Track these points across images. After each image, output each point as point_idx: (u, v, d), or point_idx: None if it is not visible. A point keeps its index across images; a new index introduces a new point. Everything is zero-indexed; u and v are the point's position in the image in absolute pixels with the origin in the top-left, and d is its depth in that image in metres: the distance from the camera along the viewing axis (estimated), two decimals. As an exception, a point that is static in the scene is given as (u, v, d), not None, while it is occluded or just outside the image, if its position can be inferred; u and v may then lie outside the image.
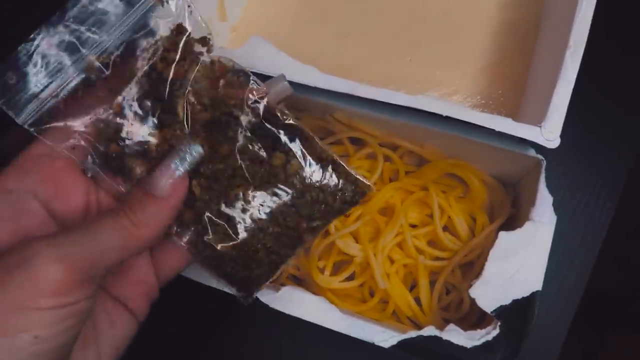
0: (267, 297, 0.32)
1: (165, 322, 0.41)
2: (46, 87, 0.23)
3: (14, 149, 0.26)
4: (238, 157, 0.25)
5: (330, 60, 0.44)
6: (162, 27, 0.25)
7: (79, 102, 0.24)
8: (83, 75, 0.24)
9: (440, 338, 0.31)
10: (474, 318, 0.35)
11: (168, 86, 0.24)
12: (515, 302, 0.31)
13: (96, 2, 0.24)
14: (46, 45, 0.23)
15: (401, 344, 0.31)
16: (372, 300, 0.36)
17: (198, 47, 0.26)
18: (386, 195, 0.37)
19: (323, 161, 0.27)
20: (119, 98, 0.24)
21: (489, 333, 0.31)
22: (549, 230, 0.32)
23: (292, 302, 0.32)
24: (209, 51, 0.27)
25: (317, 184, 0.26)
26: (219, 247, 0.25)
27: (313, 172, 0.26)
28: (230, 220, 0.25)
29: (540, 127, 0.31)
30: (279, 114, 0.27)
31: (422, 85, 0.43)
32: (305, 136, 0.27)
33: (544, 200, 0.32)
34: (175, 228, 0.25)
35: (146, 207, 0.21)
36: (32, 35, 0.23)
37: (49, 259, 0.18)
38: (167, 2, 0.26)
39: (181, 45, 0.25)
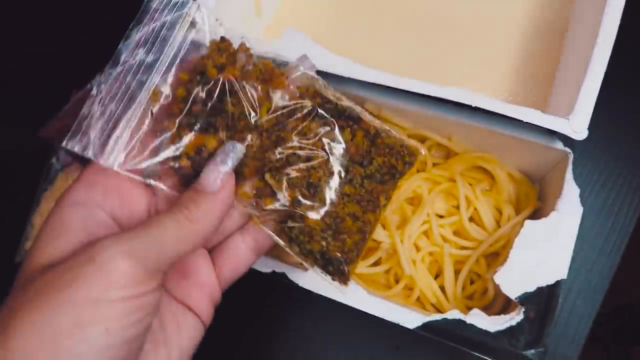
0: (297, 276, 0.33)
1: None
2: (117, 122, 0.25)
3: (55, 138, 0.28)
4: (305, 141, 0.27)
5: (361, 58, 0.46)
6: (203, 42, 0.27)
7: (147, 135, 0.25)
8: (148, 105, 0.25)
9: (464, 322, 0.31)
10: (498, 308, 0.36)
11: (225, 94, 0.26)
12: (539, 289, 0.31)
13: (152, 25, 0.26)
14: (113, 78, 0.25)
15: (425, 326, 0.32)
16: (397, 286, 0.37)
17: (241, 55, 0.28)
18: (413, 185, 0.38)
19: (379, 130, 0.29)
20: (180, 118, 0.26)
21: (513, 318, 0.31)
22: (574, 220, 0.32)
23: (321, 281, 0.33)
24: (249, 54, 0.28)
25: (380, 150, 0.28)
26: (309, 216, 0.26)
27: (374, 140, 0.28)
28: (317, 190, 0.27)
29: (568, 118, 0.32)
30: (332, 98, 0.28)
31: (449, 81, 0.43)
32: (358, 113, 0.29)
33: (571, 191, 0.33)
34: (258, 214, 0.26)
35: (198, 203, 0.23)
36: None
37: (116, 253, 0.20)
38: (197, 21, 0.27)
39: (225, 55, 0.27)
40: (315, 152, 0.27)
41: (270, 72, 0.28)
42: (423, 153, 0.29)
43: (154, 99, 0.25)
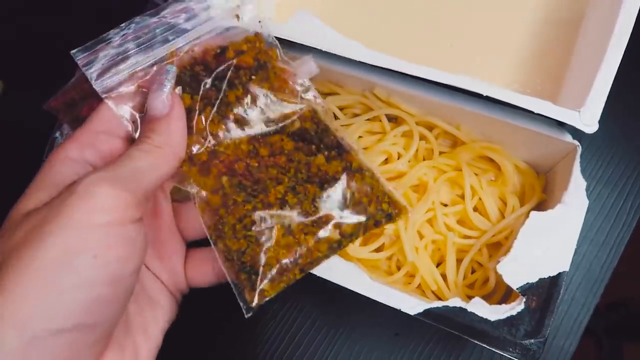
0: (300, 258, 0.33)
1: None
2: (128, 58, 0.26)
3: (60, 111, 0.28)
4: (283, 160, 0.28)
5: (371, 42, 0.45)
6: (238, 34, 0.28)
7: (144, 82, 0.26)
8: (160, 60, 0.26)
9: (465, 310, 0.31)
10: (498, 298, 0.36)
11: (224, 79, 0.27)
12: (540, 280, 0.31)
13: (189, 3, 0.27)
14: (141, 26, 0.27)
15: (426, 313, 0.32)
16: (398, 273, 0.37)
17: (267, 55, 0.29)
18: (419, 173, 0.38)
19: (363, 168, 0.28)
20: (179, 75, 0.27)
21: (514, 308, 0.31)
22: (580, 213, 0.32)
23: (323, 265, 0.33)
24: (271, 56, 0.29)
25: (356, 186, 0.28)
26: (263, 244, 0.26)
27: (352, 176, 0.28)
28: (266, 194, 0.27)
29: (579, 111, 0.32)
30: (331, 127, 0.29)
31: (459, 70, 0.44)
32: (348, 148, 0.29)
33: (577, 185, 0.33)
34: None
35: (156, 129, 0.24)
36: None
37: (96, 180, 0.21)
38: (242, 16, 0.28)
39: (249, 46, 0.28)
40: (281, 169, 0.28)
41: (281, 85, 0.28)
42: (410, 211, 0.29)
43: (168, 57, 0.26)
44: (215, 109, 0.27)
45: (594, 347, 0.81)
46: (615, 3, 0.34)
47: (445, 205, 0.39)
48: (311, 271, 0.33)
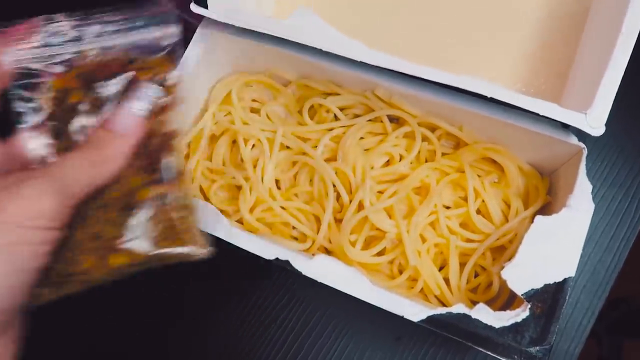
0: (301, 264, 0.33)
1: (189, 286, 0.43)
2: None
3: None
4: None
5: (372, 38, 0.44)
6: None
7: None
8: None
9: (469, 316, 0.31)
10: (501, 302, 0.36)
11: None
12: (545, 286, 0.31)
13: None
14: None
15: (429, 320, 0.31)
16: (400, 277, 0.36)
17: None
18: (421, 175, 0.37)
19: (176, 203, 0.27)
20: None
21: (518, 315, 0.31)
22: (585, 218, 0.32)
23: (325, 270, 0.32)
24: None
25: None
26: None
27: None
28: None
29: (585, 113, 0.31)
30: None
31: (463, 68, 0.43)
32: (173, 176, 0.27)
33: (583, 188, 0.32)
34: None
35: (111, 143, 0.25)
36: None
37: (42, 190, 0.22)
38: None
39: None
40: None
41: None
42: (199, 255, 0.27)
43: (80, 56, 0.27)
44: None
45: (594, 344, 0.81)
46: (623, 2, 0.33)
47: (448, 207, 0.38)
48: (311, 276, 0.32)
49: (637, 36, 0.31)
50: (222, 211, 0.37)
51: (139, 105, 0.25)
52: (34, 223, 0.22)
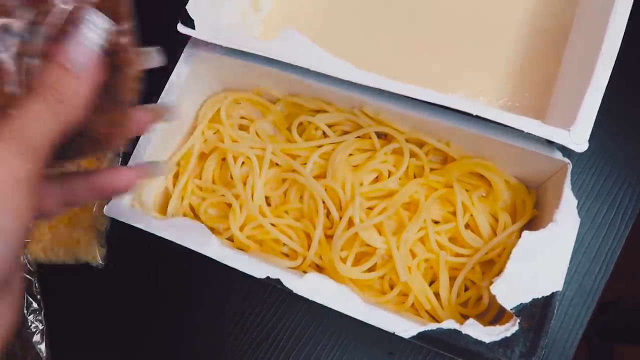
0: (292, 282, 0.33)
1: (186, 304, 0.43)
2: None
3: None
4: None
5: (359, 56, 0.45)
6: None
7: None
8: None
9: (460, 332, 0.31)
10: (492, 316, 0.36)
11: None
12: (534, 300, 0.31)
13: None
14: None
15: (420, 336, 0.31)
16: (391, 292, 0.36)
17: None
18: (410, 191, 0.38)
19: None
20: None
21: (508, 329, 0.31)
22: (572, 232, 0.32)
23: (316, 288, 0.33)
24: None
25: None
26: None
27: None
28: None
29: (569, 130, 0.32)
30: None
31: (448, 84, 0.44)
32: None
33: (569, 203, 0.33)
34: None
35: (68, 81, 0.21)
36: None
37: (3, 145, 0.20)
38: None
39: None
40: None
41: None
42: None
43: None
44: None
45: (585, 349, 0.82)
46: (603, 18, 0.34)
47: (437, 222, 0.38)
48: (302, 294, 0.33)
49: (616, 55, 0.32)
50: (212, 229, 0.37)
51: (90, 37, 0.21)
52: (8, 191, 0.20)
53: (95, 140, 0.24)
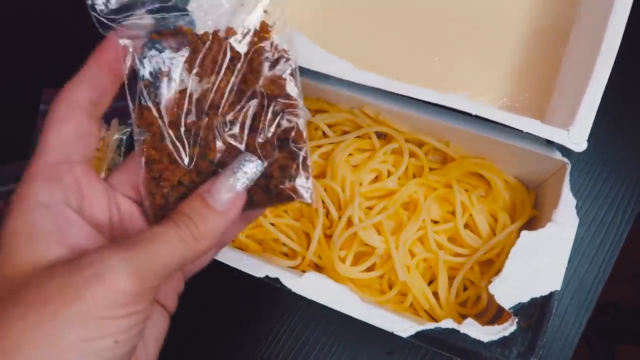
0: (291, 281, 0.33)
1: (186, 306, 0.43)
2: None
3: None
4: None
5: (359, 55, 0.45)
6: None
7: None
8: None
9: (458, 331, 0.31)
10: (490, 315, 0.36)
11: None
12: (532, 300, 0.31)
13: None
14: None
15: (419, 335, 0.32)
16: (390, 292, 0.36)
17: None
18: (410, 190, 0.38)
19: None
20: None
21: (506, 329, 0.31)
22: (570, 232, 0.32)
23: (315, 288, 0.33)
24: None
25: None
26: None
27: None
28: None
29: (568, 130, 0.32)
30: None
31: (449, 84, 0.44)
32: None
33: (567, 203, 0.33)
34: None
35: (206, 219, 0.22)
36: None
37: (123, 273, 0.19)
38: None
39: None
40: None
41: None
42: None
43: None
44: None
45: (586, 350, 0.82)
46: (602, 18, 0.34)
47: (436, 222, 0.38)
48: (301, 294, 0.33)
49: (615, 55, 0.32)
50: (212, 229, 0.37)
51: (240, 182, 0.23)
52: (115, 312, 0.19)
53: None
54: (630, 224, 0.41)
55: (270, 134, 0.24)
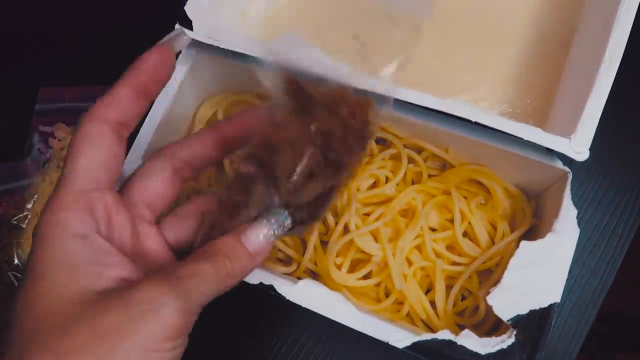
0: (285, 289, 0.32)
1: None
2: None
3: None
4: None
5: (359, 60, 0.44)
6: None
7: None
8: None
9: (455, 343, 0.31)
10: (488, 326, 0.35)
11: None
12: (531, 312, 0.31)
13: None
14: None
15: (415, 346, 0.31)
16: (387, 300, 0.36)
17: None
18: (408, 197, 0.37)
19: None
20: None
21: (504, 341, 0.31)
22: (571, 243, 0.32)
23: (310, 295, 0.32)
24: None
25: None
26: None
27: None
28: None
29: (569, 138, 0.31)
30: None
31: (450, 89, 0.43)
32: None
33: (568, 213, 0.32)
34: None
35: (240, 259, 0.23)
36: None
37: (174, 309, 0.20)
38: None
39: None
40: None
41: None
42: None
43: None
44: None
45: (586, 358, 0.81)
46: (606, 25, 0.33)
47: (434, 230, 0.38)
48: (296, 301, 0.32)
49: (619, 63, 0.31)
50: (206, 233, 0.37)
51: (271, 232, 0.24)
52: (165, 346, 0.20)
53: None
54: (632, 234, 0.40)
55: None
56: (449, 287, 0.36)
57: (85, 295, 0.20)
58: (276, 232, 0.24)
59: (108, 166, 0.23)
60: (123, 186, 0.25)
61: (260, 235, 0.23)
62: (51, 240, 0.21)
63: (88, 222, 0.22)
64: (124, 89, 0.23)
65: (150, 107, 0.38)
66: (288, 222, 0.24)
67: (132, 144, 0.37)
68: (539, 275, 0.31)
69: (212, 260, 0.22)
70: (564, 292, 0.31)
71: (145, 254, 0.24)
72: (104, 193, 0.22)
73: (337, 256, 0.36)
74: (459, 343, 0.30)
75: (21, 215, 0.46)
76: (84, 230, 0.21)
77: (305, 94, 0.24)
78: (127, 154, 0.37)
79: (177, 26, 0.23)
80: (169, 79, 0.24)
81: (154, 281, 0.21)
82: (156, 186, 0.25)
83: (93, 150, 0.22)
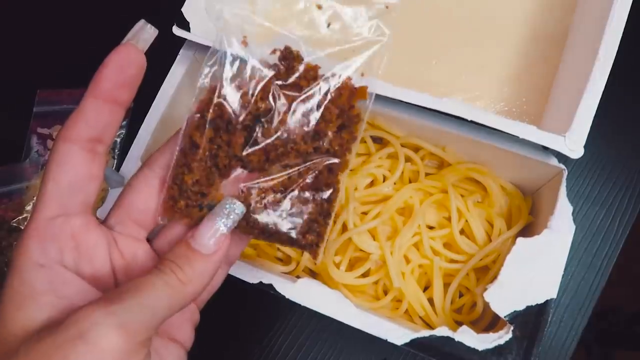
0: (284, 287, 0.33)
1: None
2: None
3: None
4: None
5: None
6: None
7: None
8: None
9: (453, 339, 0.31)
10: (486, 322, 0.36)
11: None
12: (528, 308, 0.31)
13: None
14: None
15: (413, 343, 0.31)
16: (385, 298, 0.36)
17: None
18: (405, 196, 0.37)
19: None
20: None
21: (501, 337, 0.31)
22: (567, 239, 0.32)
23: (309, 294, 0.32)
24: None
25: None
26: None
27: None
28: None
29: (564, 136, 0.32)
30: None
31: (446, 88, 0.43)
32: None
33: (564, 210, 0.32)
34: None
35: (192, 263, 0.22)
36: None
37: (108, 329, 0.18)
38: None
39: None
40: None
41: None
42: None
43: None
44: None
45: (584, 356, 0.81)
46: (600, 24, 0.34)
47: (432, 228, 0.38)
48: (295, 300, 0.32)
49: (613, 61, 0.32)
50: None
51: (223, 222, 0.23)
52: None
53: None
54: (628, 230, 0.40)
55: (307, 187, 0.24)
56: (446, 285, 0.37)
57: (29, 326, 0.19)
58: (226, 223, 0.23)
59: (78, 188, 0.21)
60: (115, 205, 0.24)
61: (207, 233, 0.22)
62: (16, 269, 0.21)
63: (48, 251, 0.21)
64: (89, 102, 0.21)
65: (150, 107, 0.38)
66: (238, 210, 0.23)
67: (132, 144, 0.38)
68: (535, 271, 0.31)
69: (160, 271, 0.21)
70: (560, 288, 0.31)
71: (134, 273, 0.23)
72: (69, 218, 0.21)
73: (335, 255, 0.37)
74: (457, 339, 0.31)
75: (20, 218, 0.46)
76: (43, 260, 0.21)
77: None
78: (126, 155, 0.38)
79: (141, 21, 0.23)
80: (141, 77, 0.22)
81: (90, 303, 0.19)
82: (144, 201, 0.24)
83: (59, 174, 0.21)
